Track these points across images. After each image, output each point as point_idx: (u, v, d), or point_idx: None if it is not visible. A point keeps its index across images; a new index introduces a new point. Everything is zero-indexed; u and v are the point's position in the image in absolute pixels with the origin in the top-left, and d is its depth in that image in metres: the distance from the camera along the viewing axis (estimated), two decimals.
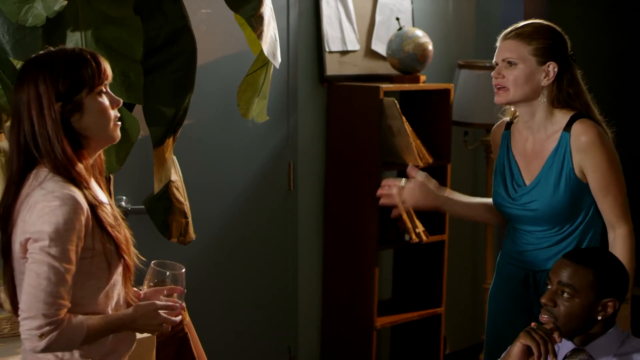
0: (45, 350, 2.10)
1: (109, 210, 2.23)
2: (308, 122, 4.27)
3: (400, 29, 4.32)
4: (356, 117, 4.22)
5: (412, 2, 4.61)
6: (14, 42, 2.45)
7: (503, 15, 5.12)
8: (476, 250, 5.09)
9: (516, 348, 2.34)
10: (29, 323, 2.08)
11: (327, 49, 4.25)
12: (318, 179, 4.35)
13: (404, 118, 4.19)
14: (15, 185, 2.19)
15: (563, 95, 2.78)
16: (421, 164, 4.25)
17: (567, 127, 2.75)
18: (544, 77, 2.75)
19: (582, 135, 2.73)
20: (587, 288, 2.44)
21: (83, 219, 2.12)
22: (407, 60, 4.25)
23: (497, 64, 2.81)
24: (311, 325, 4.40)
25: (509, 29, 2.81)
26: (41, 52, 2.23)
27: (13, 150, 2.19)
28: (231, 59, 3.92)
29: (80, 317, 2.14)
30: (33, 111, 2.15)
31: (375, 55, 4.46)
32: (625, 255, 2.72)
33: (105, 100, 2.21)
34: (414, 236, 4.29)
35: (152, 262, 2.35)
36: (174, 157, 2.86)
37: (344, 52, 4.34)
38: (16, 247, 2.15)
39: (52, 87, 2.15)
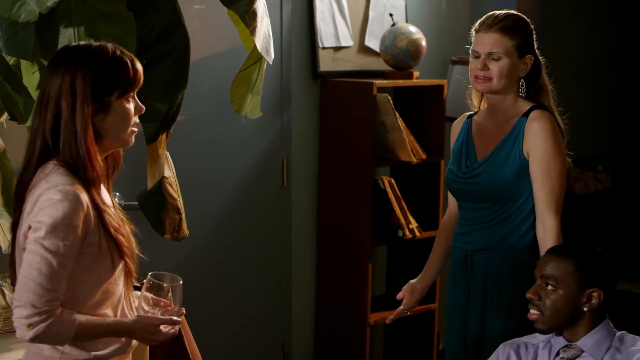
0: (33, 340, 2.11)
1: (113, 212, 2.25)
2: (302, 118, 4.27)
3: (393, 25, 4.32)
4: (350, 113, 4.22)
5: None
6: (6, 38, 2.45)
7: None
8: None
9: None
10: (19, 311, 2.09)
11: (320, 45, 4.25)
12: (312, 175, 4.35)
13: (397, 114, 4.20)
14: (32, 171, 2.18)
15: (532, 87, 2.93)
16: (415, 160, 4.25)
17: (526, 114, 2.89)
18: (522, 69, 2.90)
19: (536, 120, 2.85)
20: (568, 278, 2.49)
21: (83, 215, 2.12)
22: (400, 56, 4.26)
23: (477, 55, 2.90)
24: (305, 321, 4.41)
25: (488, 20, 2.94)
26: (82, 42, 2.25)
27: (38, 133, 2.18)
28: (224, 54, 3.92)
29: (74, 315, 2.15)
30: (63, 102, 2.14)
31: (368, 51, 4.46)
32: None
33: (131, 105, 2.23)
34: (407, 232, 4.29)
35: (150, 273, 2.35)
36: (167, 153, 2.86)
37: (338, 48, 4.34)
38: (20, 239, 2.17)
39: (90, 84, 2.15)
